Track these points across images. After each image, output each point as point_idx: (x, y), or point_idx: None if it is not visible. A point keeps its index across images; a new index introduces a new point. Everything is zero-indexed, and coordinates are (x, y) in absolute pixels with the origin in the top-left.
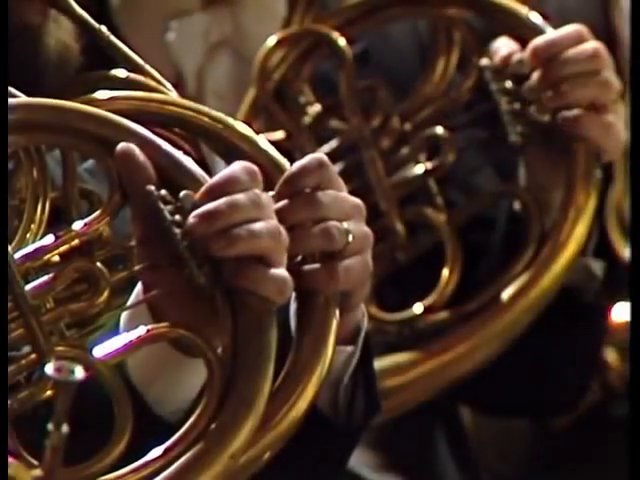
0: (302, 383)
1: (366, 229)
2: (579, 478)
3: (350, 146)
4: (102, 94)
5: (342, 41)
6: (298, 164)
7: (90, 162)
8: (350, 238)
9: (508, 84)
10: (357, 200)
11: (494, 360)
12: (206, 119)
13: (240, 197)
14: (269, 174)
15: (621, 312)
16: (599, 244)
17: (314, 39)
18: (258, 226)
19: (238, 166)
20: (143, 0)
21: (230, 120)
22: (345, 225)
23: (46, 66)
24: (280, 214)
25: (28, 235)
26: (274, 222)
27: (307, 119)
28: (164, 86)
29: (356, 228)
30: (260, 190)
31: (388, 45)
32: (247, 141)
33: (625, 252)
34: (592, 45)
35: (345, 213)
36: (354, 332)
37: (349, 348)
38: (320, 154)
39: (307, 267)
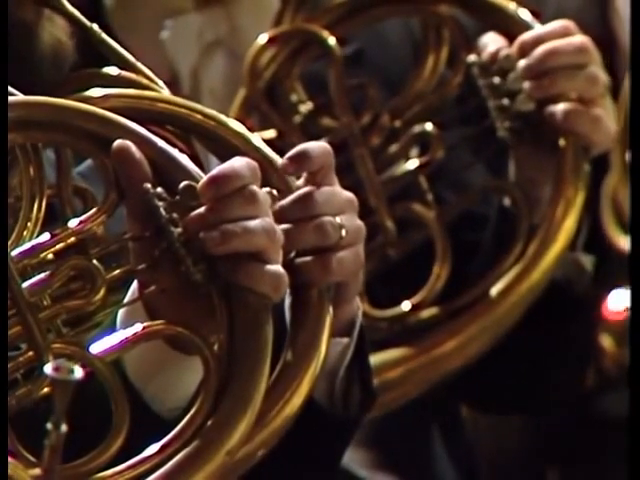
0: (296, 379)
1: (359, 222)
2: (578, 471)
3: (340, 144)
4: (95, 92)
5: (332, 40)
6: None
7: (83, 165)
8: (343, 232)
9: (496, 80)
10: (349, 194)
11: (487, 357)
12: (199, 116)
13: (236, 194)
14: (262, 171)
15: (616, 299)
16: (589, 238)
17: (304, 38)
18: (253, 223)
19: (240, 161)
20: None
21: (223, 117)
22: (338, 220)
23: (41, 62)
24: (276, 213)
25: (25, 233)
26: (269, 219)
27: (298, 118)
28: (156, 84)
29: (349, 222)
30: (257, 187)
31: (382, 44)
32: (240, 138)
33: (619, 241)
34: (579, 39)
35: (338, 208)
36: (349, 324)
37: (345, 340)
38: (325, 143)
39: (300, 260)
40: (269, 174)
